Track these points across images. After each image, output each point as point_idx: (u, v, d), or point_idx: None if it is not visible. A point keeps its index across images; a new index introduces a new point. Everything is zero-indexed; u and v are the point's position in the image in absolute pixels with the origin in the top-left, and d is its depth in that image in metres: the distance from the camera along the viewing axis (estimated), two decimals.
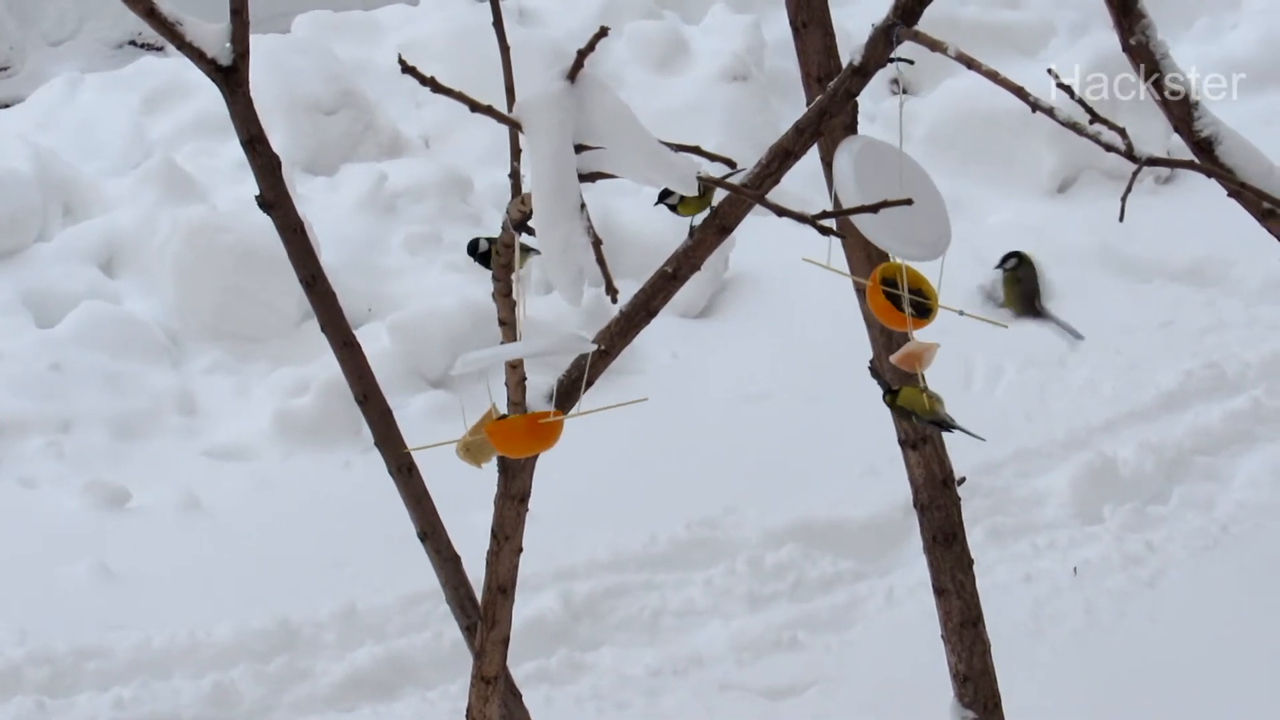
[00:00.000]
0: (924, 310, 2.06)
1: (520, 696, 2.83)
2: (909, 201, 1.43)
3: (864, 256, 2.52)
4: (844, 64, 1.94)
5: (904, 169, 1.93)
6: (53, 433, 4.87)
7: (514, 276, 1.93)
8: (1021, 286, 2.28)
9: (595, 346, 1.88)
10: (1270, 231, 2.12)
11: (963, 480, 3.04)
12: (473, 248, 2.40)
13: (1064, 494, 4.54)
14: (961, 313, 2.14)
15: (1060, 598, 4.15)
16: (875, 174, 1.91)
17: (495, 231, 2.02)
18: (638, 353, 5.21)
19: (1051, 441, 4.82)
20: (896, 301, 2.05)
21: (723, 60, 6.71)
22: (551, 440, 1.98)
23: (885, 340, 2.77)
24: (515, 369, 2.01)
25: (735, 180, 1.90)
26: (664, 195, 2.13)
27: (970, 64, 1.78)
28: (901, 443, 2.96)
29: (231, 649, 3.92)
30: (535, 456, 2.16)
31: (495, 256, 1.97)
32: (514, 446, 2.01)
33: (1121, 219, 1.84)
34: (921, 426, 2.23)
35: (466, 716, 2.39)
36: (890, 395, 2.24)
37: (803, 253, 2.12)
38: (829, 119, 1.91)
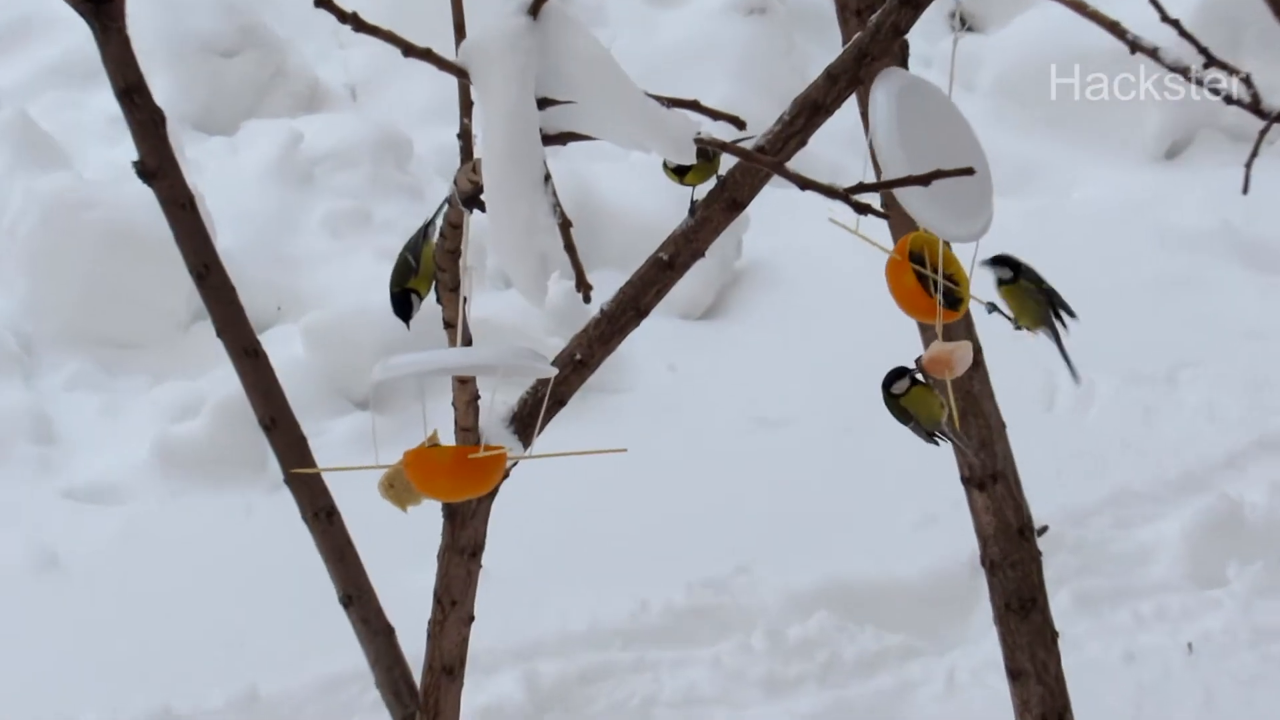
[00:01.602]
0: (953, 300, 2.08)
1: None
2: (971, 171, 1.43)
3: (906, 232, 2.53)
4: None
5: (952, 123, 1.93)
6: None
7: (462, 265, 1.93)
8: (1029, 297, 2.28)
9: (554, 370, 1.86)
10: None
11: (1044, 530, 3.05)
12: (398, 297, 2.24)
13: (1176, 548, 4.55)
14: (992, 307, 2.17)
15: (1171, 681, 4.16)
16: (919, 125, 1.92)
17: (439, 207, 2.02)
18: (625, 363, 5.22)
19: (1159, 480, 4.83)
20: (925, 283, 2.07)
21: None
22: (488, 482, 1.88)
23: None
24: (466, 385, 2.00)
25: (748, 144, 1.90)
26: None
27: None
28: (965, 481, 2.96)
29: None
30: (490, 499, 2.15)
31: (442, 241, 1.96)
32: (438, 486, 1.88)
33: (1246, 191, 1.85)
34: (916, 433, 2.29)
35: None
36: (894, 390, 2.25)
37: (834, 236, 2.13)
38: (870, 63, 1.91)
